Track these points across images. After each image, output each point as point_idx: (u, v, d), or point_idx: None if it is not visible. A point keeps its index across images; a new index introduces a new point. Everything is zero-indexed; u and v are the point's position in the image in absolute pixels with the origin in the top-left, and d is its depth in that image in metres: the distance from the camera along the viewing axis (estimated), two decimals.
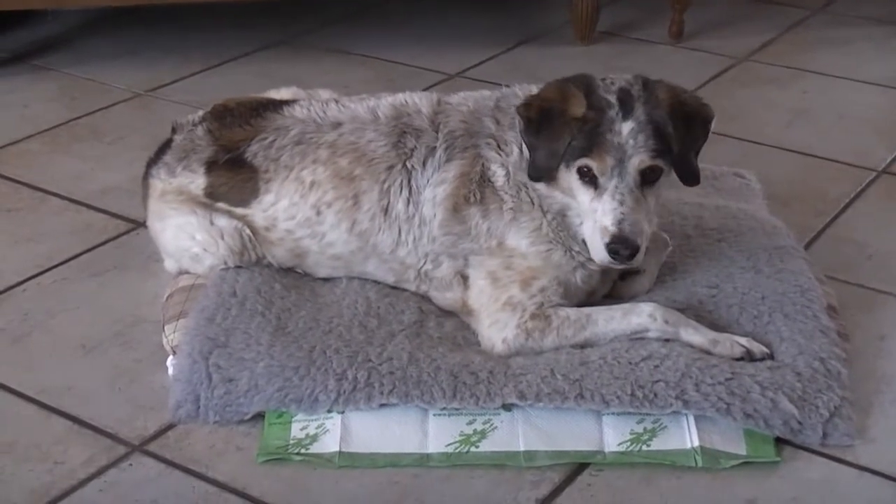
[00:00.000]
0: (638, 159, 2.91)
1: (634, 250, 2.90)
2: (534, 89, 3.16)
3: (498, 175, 3.10)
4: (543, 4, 5.91)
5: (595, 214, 2.94)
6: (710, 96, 4.75)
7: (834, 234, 3.79)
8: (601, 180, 2.92)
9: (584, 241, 3.05)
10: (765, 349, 3.01)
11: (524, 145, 3.04)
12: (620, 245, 2.89)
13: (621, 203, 2.90)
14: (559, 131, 2.95)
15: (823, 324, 3.10)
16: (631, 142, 2.91)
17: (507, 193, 3.09)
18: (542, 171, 3.00)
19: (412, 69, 5.13)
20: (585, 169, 2.93)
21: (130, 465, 2.81)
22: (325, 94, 3.58)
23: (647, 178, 2.95)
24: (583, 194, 2.96)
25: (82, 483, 2.75)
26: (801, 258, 3.41)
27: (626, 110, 2.93)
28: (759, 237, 3.45)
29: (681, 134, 2.97)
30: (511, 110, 3.12)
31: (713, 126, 3.08)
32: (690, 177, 3.04)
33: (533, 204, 3.08)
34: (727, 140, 4.44)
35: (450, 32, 5.53)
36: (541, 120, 2.98)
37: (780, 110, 4.76)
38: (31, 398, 3.02)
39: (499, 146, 3.12)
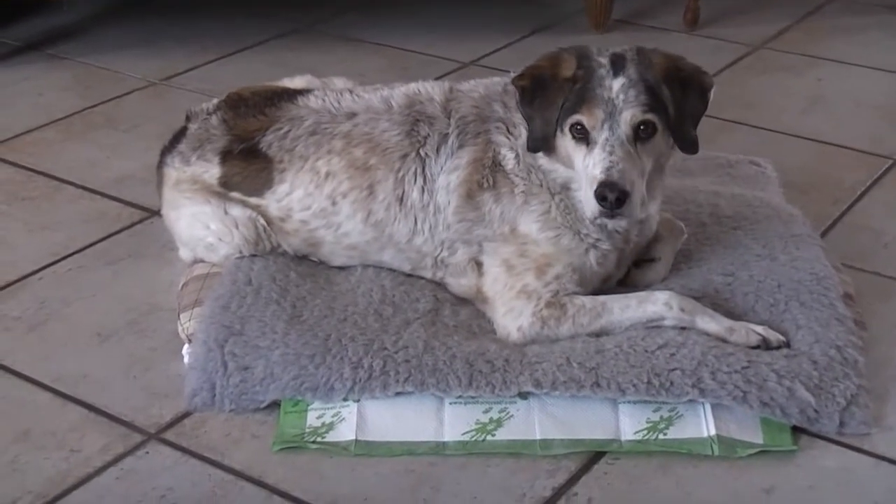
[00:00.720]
0: (629, 113, 2.90)
1: (622, 194, 2.86)
2: None
3: (508, 158, 3.10)
4: None
5: (587, 170, 2.92)
6: (726, 84, 4.81)
7: (850, 222, 3.78)
8: (592, 134, 2.91)
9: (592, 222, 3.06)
10: (781, 337, 3.00)
11: (520, 110, 3.05)
12: (607, 188, 2.85)
13: (611, 153, 2.89)
14: (552, 96, 2.95)
15: (840, 312, 3.09)
16: (622, 96, 2.91)
17: (517, 176, 3.09)
18: (539, 141, 3.00)
19: (427, 57, 5.12)
20: (578, 126, 2.93)
21: (146, 453, 2.81)
22: (339, 82, 3.58)
23: (640, 134, 2.93)
24: (577, 154, 2.95)
25: (98, 471, 2.75)
26: (818, 246, 3.40)
27: (617, 68, 2.93)
28: (774, 225, 3.45)
29: (677, 97, 2.96)
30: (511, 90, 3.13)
31: (712, 96, 3.07)
32: (689, 144, 3.02)
33: (542, 186, 3.08)
34: (743, 128, 4.43)
35: (464, 21, 5.52)
36: (534, 88, 2.99)
37: (795, 98, 4.75)
38: (46, 386, 3.03)
39: (508, 130, 3.12)
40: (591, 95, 2.91)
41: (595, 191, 2.87)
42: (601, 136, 2.90)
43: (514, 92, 3.04)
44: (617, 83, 2.91)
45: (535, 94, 2.98)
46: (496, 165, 3.11)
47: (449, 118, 3.18)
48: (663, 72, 2.96)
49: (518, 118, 3.10)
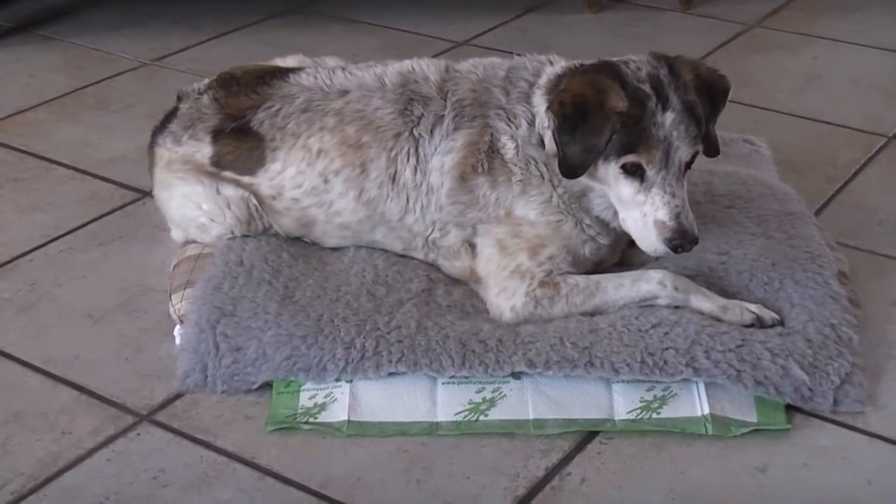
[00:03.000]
0: (684, 151, 2.89)
1: (695, 242, 2.90)
2: (544, 60, 3.14)
3: (508, 147, 3.07)
4: None
5: (643, 207, 2.90)
6: (720, 63, 4.78)
7: (845, 200, 3.77)
8: (649, 174, 2.88)
9: (597, 218, 3.05)
10: (775, 316, 3.00)
11: (553, 139, 2.97)
12: (684, 240, 2.88)
13: (673, 195, 2.88)
14: (600, 126, 2.87)
15: (834, 290, 3.08)
16: (675, 133, 2.87)
17: (516, 166, 3.06)
18: (576, 168, 2.93)
19: (420, 37, 5.10)
20: (632, 165, 2.89)
21: (138, 434, 2.80)
22: (331, 61, 3.56)
23: (689, 165, 2.95)
24: (626, 187, 2.91)
25: (90, 453, 2.74)
26: (812, 224, 3.39)
27: (664, 100, 2.88)
28: (769, 203, 3.43)
29: (707, 111, 2.96)
30: (521, 83, 3.10)
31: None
32: (713, 149, 3.04)
33: (543, 178, 3.05)
34: (737, 106, 4.41)
35: (457, 0, 5.49)
36: (577, 116, 2.89)
37: (790, 76, 4.74)
38: (37, 368, 3.02)
39: (508, 118, 3.09)
40: (648, 135, 2.86)
41: (669, 240, 2.88)
42: (658, 175, 2.88)
43: (551, 119, 2.96)
44: (668, 119, 2.87)
45: (577, 122, 2.89)
46: (493, 151, 3.08)
47: (445, 100, 3.16)
48: (696, 89, 2.93)
49: (519, 109, 3.07)
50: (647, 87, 2.89)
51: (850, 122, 4.30)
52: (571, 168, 2.93)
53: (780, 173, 3.78)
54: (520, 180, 3.06)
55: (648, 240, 2.92)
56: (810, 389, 2.81)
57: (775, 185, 3.57)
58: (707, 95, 2.97)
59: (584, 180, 2.99)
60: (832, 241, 3.39)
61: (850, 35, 5.12)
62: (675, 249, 2.89)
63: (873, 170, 3.97)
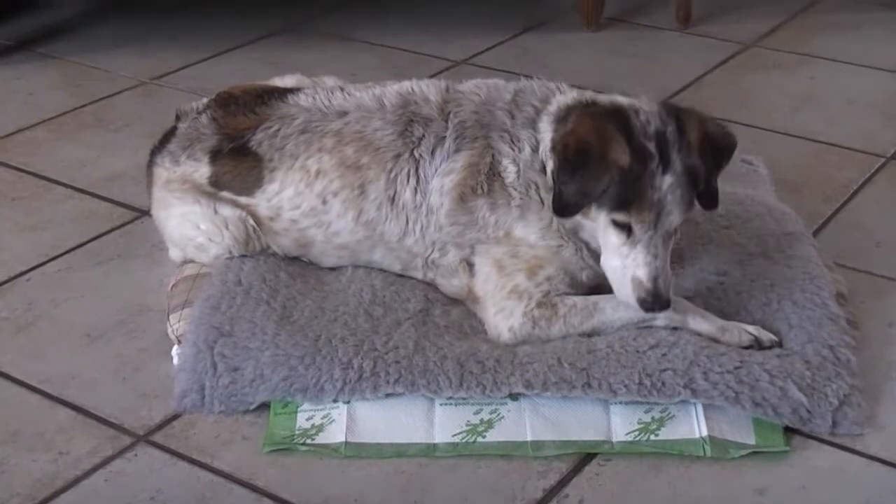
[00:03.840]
0: (675, 217, 2.89)
1: (667, 306, 2.90)
2: (553, 88, 3.14)
3: (509, 171, 3.06)
4: None
5: (625, 259, 2.90)
6: (718, 82, 4.81)
7: (842, 221, 3.77)
8: (637, 232, 2.88)
9: (595, 250, 3.04)
10: (773, 337, 3.00)
11: (552, 177, 2.98)
12: (656, 303, 2.88)
13: (655, 257, 2.87)
14: (598, 175, 2.86)
15: (832, 311, 3.08)
16: (669, 197, 2.86)
17: (515, 190, 3.06)
18: (569, 208, 2.93)
19: (418, 56, 5.11)
20: (623, 222, 2.89)
21: (135, 455, 2.80)
22: (329, 81, 3.56)
23: (678, 229, 2.96)
24: (613, 237, 2.91)
25: (87, 473, 2.74)
26: (810, 245, 3.39)
27: (666, 161, 2.87)
28: (767, 223, 3.44)
29: (709, 168, 2.95)
30: (527, 108, 3.09)
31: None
32: (713, 202, 3.03)
33: (542, 204, 3.05)
34: (734, 126, 4.33)
35: (456, 19, 5.50)
36: (578, 161, 2.88)
37: (787, 96, 4.74)
38: (35, 388, 3.01)
39: (511, 141, 3.08)
40: (643, 196, 2.85)
41: (641, 299, 2.88)
42: (646, 234, 2.88)
43: (553, 158, 2.96)
44: (666, 182, 2.86)
45: (577, 167, 2.88)
46: (493, 174, 3.08)
47: (447, 121, 3.15)
48: (699, 150, 2.92)
49: (524, 134, 3.06)
50: (651, 146, 2.87)
51: (847, 141, 4.30)
52: (564, 207, 2.93)
53: (777, 193, 3.78)
54: (518, 205, 3.05)
55: (622, 291, 2.93)
56: (808, 411, 2.81)
57: (773, 205, 3.57)
58: (712, 154, 2.96)
59: (576, 217, 2.99)
60: (830, 262, 3.39)
61: (848, 55, 5.13)
62: (645, 309, 2.90)
63: (871, 190, 3.97)
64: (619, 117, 2.92)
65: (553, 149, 2.97)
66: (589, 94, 3.10)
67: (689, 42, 5.31)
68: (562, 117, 3.02)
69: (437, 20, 5.48)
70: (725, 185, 3.65)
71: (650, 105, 2.98)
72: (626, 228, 2.89)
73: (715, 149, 2.98)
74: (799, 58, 5.11)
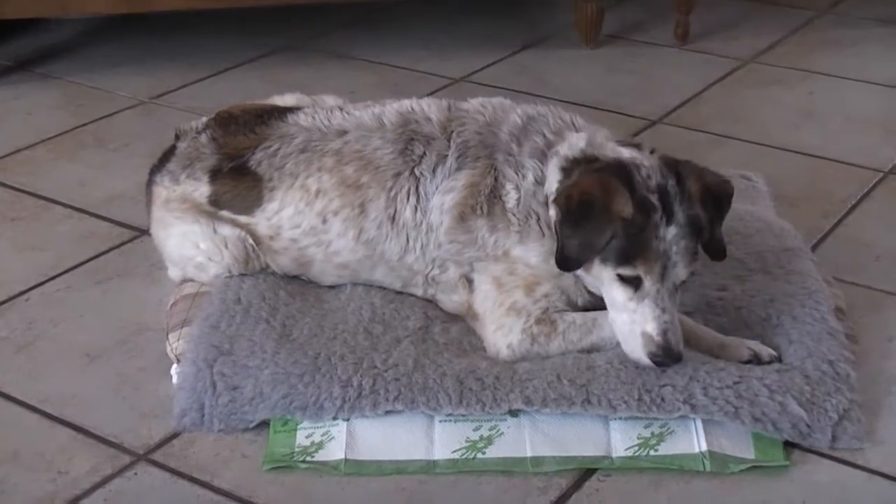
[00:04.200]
0: (681, 269, 2.87)
1: (679, 360, 2.86)
2: (568, 121, 3.14)
3: (510, 196, 3.06)
4: (548, 7, 5.90)
5: (633, 315, 2.87)
6: (717, 98, 4.82)
7: (841, 236, 3.77)
8: (646, 285, 2.86)
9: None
10: (773, 352, 3.00)
11: (555, 229, 2.97)
12: (667, 357, 2.84)
13: (664, 311, 2.85)
14: (601, 228, 2.85)
15: (831, 326, 3.08)
16: (674, 248, 2.85)
17: (515, 217, 3.05)
18: (572, 262, 2.92)
19: (417, 74, 5.12)
20: (630, 276, 2.87)
21: (135, 473, 2.79)
22: (329, 99, 3.57)
23: (685, 282, 2.93)
24: (619, 293, 2.89)
25: (87, 493, 2.73)
26: (809, 260, 3.40)
27: (669, 213, 2.86)
28: (766, 239, 3.44)
29: (711, 218, 2.94)
30: (537, 137, 3.08)
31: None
32: (720, 252, 3.02)
33: (543, 234, 3.04)
34: (733, 142, 4.43)
35: (454, 37, 5.51)
36: (581, 213, 2.87)
37: (786, 112, 4.75)
38: (34, 407, 3.01)
39: (516, 167, 3.07)
40: (648, 247, 2.84)
41: (652, 354, 2.84)
42: (653, 287, 2.86)
43: (556, 210, 2.94)
44: (671, 233, 2.85)
45: (580, 219, 2.87)
46: (494, 196, 3.07)
47: (449, 140, 3.15)
48: (700, 201, 2.92)
49: (529, 163, 3.05)
50: (654, 199, 2.87)
51: (846, 157, 4.31)
52: (567, 261, 2.92)
53: (776, 208, 3.78)
54: (517, 231, 3.05)
55: (632, 347, 2.89)
56: (808, 426, 2.81)
57: (772, 221, 3.58)
58: (712, 204, 2.95)
59: (578, 272, 2.98)
60: (829, 277, 3.39)
61: (846, 70, 5.14)
62: (656, 364, 2.86)
63: (870, 205, 3.97)
64: (621, 171, 2.91)
65: (556, 200, 2.95)
66: (600, 137, 3.07)
67: (688, 58, 5.32)
68: (567, 170, 3.00)
69: (435, 38, 5.49)
70: None
71: (651, 159, 2.97)
72: (631, 283, 2.87)
73: (715, 198, 2.97)
74: (797, 74, 5.12)
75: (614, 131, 3.23)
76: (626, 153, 2.99)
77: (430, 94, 4.83)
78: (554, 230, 2.98)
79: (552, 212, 2.98)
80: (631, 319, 2.88)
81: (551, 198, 2.98)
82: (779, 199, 3.88)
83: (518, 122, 3.14)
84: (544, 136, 3.10)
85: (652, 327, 2.85)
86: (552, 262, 2.97)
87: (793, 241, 3.46)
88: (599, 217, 2.85)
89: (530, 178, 3.05)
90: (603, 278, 2.92)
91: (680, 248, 2.86)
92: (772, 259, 3.35)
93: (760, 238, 3.45)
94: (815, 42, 5.50)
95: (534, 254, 3.05)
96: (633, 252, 2.85)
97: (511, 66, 5.22)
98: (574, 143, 3.04)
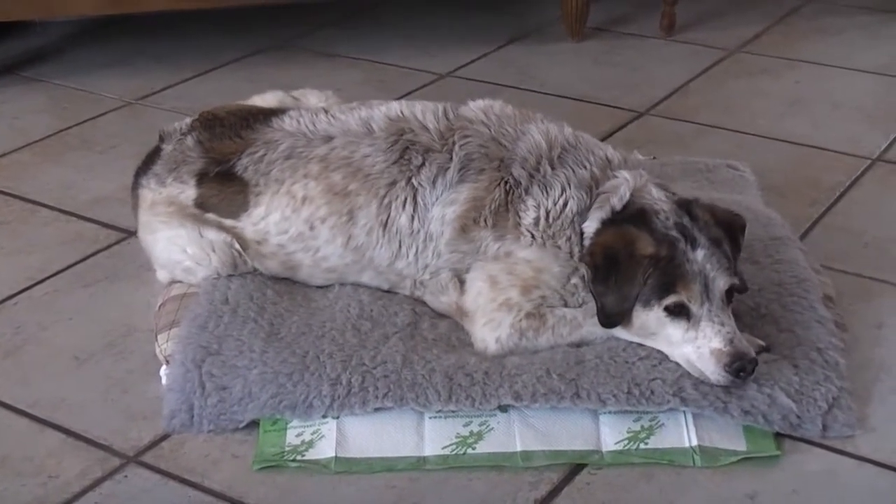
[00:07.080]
0: (721, 280, 2.86)
1: (755, 363, 2.83)
2: (602, 155, 3.12)
3: (528, 214, 3.04)
4: (534, 1, 5.89)
5: (695, 342, 2.85)
6: (703, 88, 4.82)
7: (829, 224, 3.77)
8: (694, 310, 2.85)
9: None
10: (761, 342, 2.99)
11: (590, 290, 2.98)
12: (745, 362, 2.80)
13: (723, 324, 2.84)
14: (632, 273, 2.86)
15: (820, 314, 3.09)
16: (708, 265, 2.86)
17: (529, 233, 3.04)
18: (615, 317, 2.92)
19: (403, 70, 5.11)
20: (675, 305, 2.86)
21: (125, 476, 2.79)
22: (312, 96, 3.56)
23: (729, 297, 2.90)
24: (674, 329, 2.88)
25: (77, 496, 2.73)
26: (797, 248, 3.40)
27: (692, 240, 2.88)
28: (754, 228, 3.43)
29: (731, 247, 2.96)
30: (582, 171, 3.06)
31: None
32: (741, 287, 3.01)
33: (560, 249, 3.03)
34: (720, 132, 4.43)
35: (440, 32, 5.51)
36: (608, 265, 2.89)
37: (773, 101, 4.75)
38: (23, 411, 3.00)
39: (545, 186, 3.05)
40: (683, 272, 2.85)
41: (731, 365, 2.80)
42: (703, 308, 2.85)
43: (585, 271, 2.96)
44: (700, 254, 2.86)
45: (610, 271, 2.89)
46: (505, 211, 3.05)
47: (451, 153, 3.11)
48: (716, 226, 2.95)
49: (558, 182, 3.04)
50: (674, 233, 2.89)
51: (833, 145, 4.31)
52: (611, 318, 2.92)
53: (764, 198, 3.78)
54: (529, 244, 3.04)
55: (708, 370, 2.83)
56: (798, 416, 2.81)
57: (759, 210, 3.58)
58: (727, 232, 2.97)
59: (619, 332, 2.98)
60: (817, 265, 3.39)
61: (832, 58, 5.14)
62: (737, 374, 2.80)
63: (857, 192, 3.98)
64: (639, 217, 2.94)
65: (582, 259, 2.98)
66: (640, 181, 3.04)
67: (674, 50, 5.32)
68: (607, 223, 3.00)
69: (421, 33, 5.48)
70: (712, 190, 3.69)
71: (667, 203, 2.98)
72: (680, 315, 2.86)
73: (726, 226, 2.99)
74: (783, 62, 5.12)
75: (645, 166, 3.19)
76: (646, 202, 2.98)
77: (417, 89, 4.83)
78: (589, 289, 2.98)
79: (583, 270, 3.00)
80: (696, 346, 2.85)
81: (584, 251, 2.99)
82: (766, 188, 3.89)
83: (542, 144, 3.11)
84: (587, 168, 3.08)
85: (717, 342, 2.83)
86: (557, 271, 3.00)
87: (781, 230, 3.46)
88: (626, 264, 2.87)
89: (571, 206, 3.03)
90: (651, 324, 2.91)
91: (713, 263, 2.87)
92: (759, 249, 3.34)
93: (748, 228, 3.43)
94: (800, 31, 5.50)
95: (542, 261, 3.04)
96: (669, 280, 2.85)
97: (497, 61, 5.21)
98: (623, 195, 3.01)
